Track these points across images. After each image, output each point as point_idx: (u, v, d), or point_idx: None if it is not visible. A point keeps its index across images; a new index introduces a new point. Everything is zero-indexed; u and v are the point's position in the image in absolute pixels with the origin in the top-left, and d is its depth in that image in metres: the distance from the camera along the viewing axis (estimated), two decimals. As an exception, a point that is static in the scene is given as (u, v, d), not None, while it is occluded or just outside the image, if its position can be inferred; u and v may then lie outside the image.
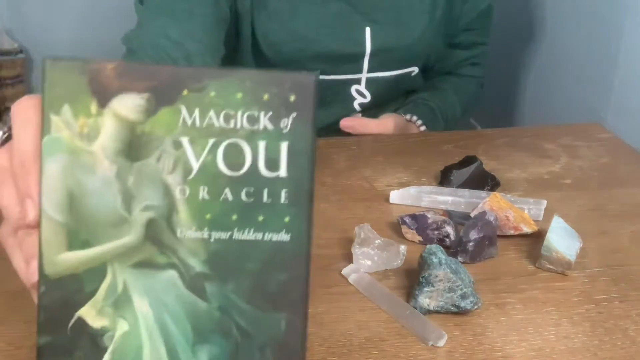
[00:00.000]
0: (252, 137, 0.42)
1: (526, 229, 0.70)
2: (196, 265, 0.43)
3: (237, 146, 0.42)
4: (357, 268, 0.64)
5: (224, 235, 0.43)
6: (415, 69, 1.07)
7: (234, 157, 0.42)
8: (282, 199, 0.42)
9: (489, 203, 0.71)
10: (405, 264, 0.66)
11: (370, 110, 1.06)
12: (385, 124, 0.99)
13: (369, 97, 1.05)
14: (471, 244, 0.66)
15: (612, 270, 0.66)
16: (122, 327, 0.43)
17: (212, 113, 0.42)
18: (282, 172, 0.42)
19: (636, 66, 1.06)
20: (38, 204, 0.41)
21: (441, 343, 0.56)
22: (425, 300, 0.59)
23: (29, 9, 2.07)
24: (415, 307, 0.59)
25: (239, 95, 0.42)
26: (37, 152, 0.41)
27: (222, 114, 0.42)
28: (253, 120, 0.42)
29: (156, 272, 0.43)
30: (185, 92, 0.41)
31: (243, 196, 0.42)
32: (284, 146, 0.42)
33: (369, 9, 1.00)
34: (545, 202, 0.76)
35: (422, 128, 1.03)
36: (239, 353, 0.43)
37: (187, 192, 0.42)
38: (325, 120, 1.01)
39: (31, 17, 2.07)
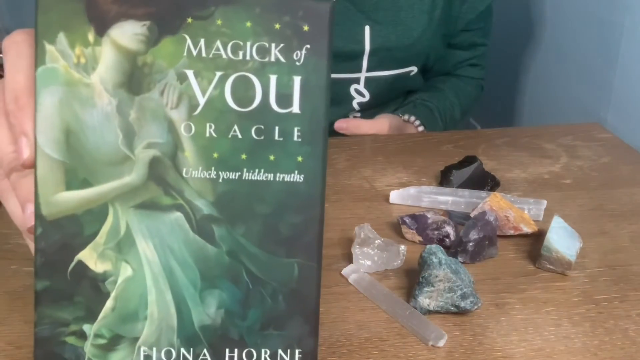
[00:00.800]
0: (262, 70, 0.39)
1: (526, 229, 0.70)
2: (204, 207, 0.40)
3: (246, 80, 0.39)
4: (357, 268, 0.64)
5: (233, 176, 0.40)
6: (414, 69, 1.07)
7: (243, 91, 0.39)
8: (295, 137, 0.40)
9: (489, 203, 0.71)
10: (405, 264, 0.65)
11: (369, 110, 1.06)
12: (380, 124, 0.99)
13: (368, 97, 1.05)
14: (471, 244, 0.66)
15: (612, 270, 0.66)
16: (126, 271, 0.40)
17: (218, 43, 0.39)
18: (295, 108, 0.40)
19: (636, 66, 1.06)
20: (33, 142, 0.38)
21: (441, 343, 0.56)
22: (425, 300, 0.59)
23: (29, 9, 2.07)
24: (415, 307, 0.59)
25: (248, 24, 0.39)
26: (32, 86, 0.38)
27: (229, 45, 0.39)
28: (263, 51, 0.39)
29: (161, 213, 0.40)
30: (189, 20, 0.38)
31: (253, 134, 0.40)
32: (296, 81, 0.39)
33: (369, 7, 1.00)
34: (545, 202, 0.76)
35: (420, 128, 1.03)
36: (250, 300, 0.41)
37: (193, 129, 0.39)
38: None
39: (31, 17, 2.06)
